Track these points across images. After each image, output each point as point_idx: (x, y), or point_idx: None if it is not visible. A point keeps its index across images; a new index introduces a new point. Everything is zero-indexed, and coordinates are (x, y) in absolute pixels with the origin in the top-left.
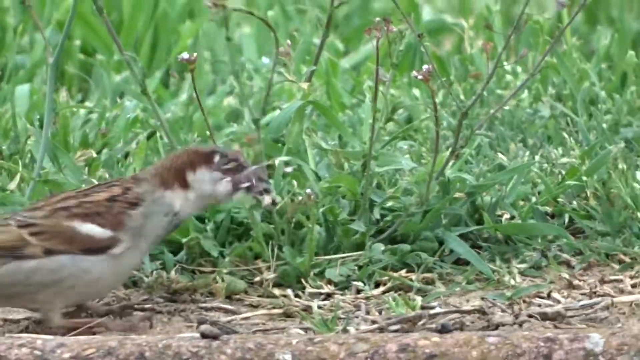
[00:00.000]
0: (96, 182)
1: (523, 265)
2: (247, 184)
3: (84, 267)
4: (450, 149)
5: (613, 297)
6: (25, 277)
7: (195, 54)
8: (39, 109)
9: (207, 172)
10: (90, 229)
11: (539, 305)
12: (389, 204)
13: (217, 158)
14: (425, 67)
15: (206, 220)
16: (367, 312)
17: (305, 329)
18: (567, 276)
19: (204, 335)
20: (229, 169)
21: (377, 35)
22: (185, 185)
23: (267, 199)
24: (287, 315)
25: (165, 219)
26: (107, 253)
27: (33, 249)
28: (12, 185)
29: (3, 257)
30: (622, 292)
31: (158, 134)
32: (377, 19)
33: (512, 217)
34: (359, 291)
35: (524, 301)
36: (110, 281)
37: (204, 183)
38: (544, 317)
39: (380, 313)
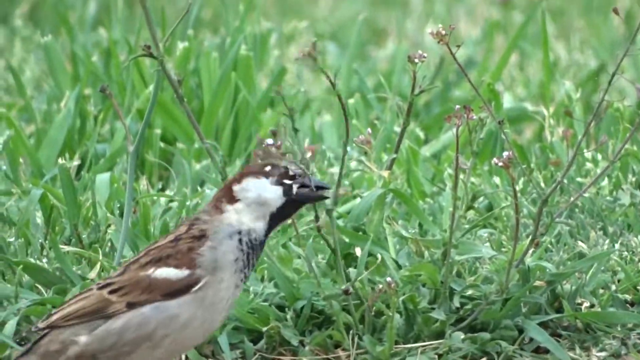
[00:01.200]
0: None
1: (603, 354)
2: (296, 183)
3: (171, 313)
4: (530, 237)
5: None
6: (118, 337)
7: (279, 141)
8: (119, 197)
9: (252, 180)
10: (165, 272)
11: None
12: (469, 292)
13: (267, 168)
14: (505, 153)
15: (286, 309)
16: None
17: None
18: None
19: None
20: (278, 174)
21: (457, 122)
22: (232, 198)
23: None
24: None
25: (232, 242)
26: (189, 293)
27: (116, 306)
28: (93, 274)
29: (91, 321)
30: None
31: None
32: (458, 106)
33: (592, 305)
34: None
35: None
36: (204, 321)
37: (249, 191)
38: None
39: None
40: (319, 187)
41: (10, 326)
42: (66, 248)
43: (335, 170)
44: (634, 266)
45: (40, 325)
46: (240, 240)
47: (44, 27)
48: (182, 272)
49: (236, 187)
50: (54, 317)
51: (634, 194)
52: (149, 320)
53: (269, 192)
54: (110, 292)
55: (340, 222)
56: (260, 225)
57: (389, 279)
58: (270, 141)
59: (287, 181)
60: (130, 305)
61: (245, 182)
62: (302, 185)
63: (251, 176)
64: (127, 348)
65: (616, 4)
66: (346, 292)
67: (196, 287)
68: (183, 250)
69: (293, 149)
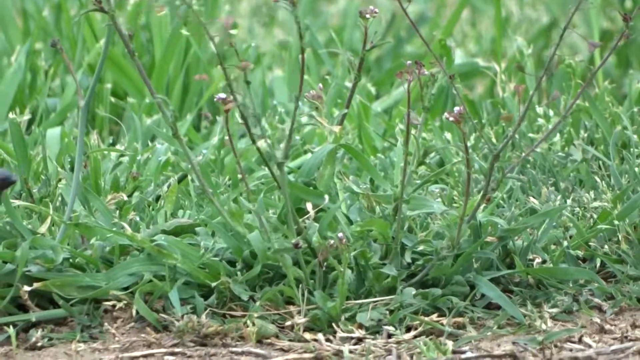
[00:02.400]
0: (126, 226)
1: (554, 310)
2: None
3: None
4: (481, 193)
5: None
6: None
7: (230, 97)
8: (69, 152)
9: None
10: None
11: (571, 350)
12: (421, 247)
13: None
14: (456, 109)
15: (236, 264)
16: (399, 357)
17: None
18: (598, 321)
19: None
20: None
21: (409, 78)
22: None
23: None
24: (318, 359)
25: None
26: None
27: None
28: (43, 229)
29: None
30: None
31: (189, 177)
32: (409, 62)
33: (544, 261)
34: (390, 335)
35: (555, 346)
36: None
37: None
38: None
39: (411, 358)
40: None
41: None
42: (16, 202)
43: (287, 125)
44: (585, 222)
45: None
46: None
47: None
48: None
49: None
50: None
51: (586, 150)
52: None
53: None
54: None
55: (291, 177)
56: None
57: (340, 234)
58: (222, 95)
59: None
60: None
61: None
62: None
63: None
64: None
65: None
66: (296, 245)
67: None
68: None
69: (245, 102)
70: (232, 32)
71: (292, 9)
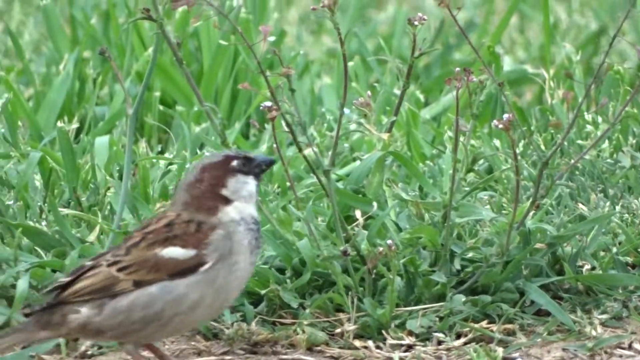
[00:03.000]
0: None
1: (604, 316)
2: (257, 167)
3: (178, 292)
4: (530, 200)
5: None
6: (125, 315)
7: (275, 106)
8: (118, 160)
9: (236, 180)
10: (172, 252)
11: (620, 356)
12: (470, 254)
13: (235, 163)
14: (505, 116)
15: (286, 272)
16: None
17: None
18: None
19: None
20: (248, 167)
21: (457, 85)
22: (224, 200)
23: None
24: None
25: (241, 228)
26: (197, 273)
27: (123, 284)
28: (92, 237)
29: (99, 299)
30: None
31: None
32: (458, 69)
33: (593, 268)
34: (440, 342)
35: (605, 352)
36: (215, 300)
37: (239, 191)
38: None
39: None
40: (263, 161)
41: (23, 283)
42: (65, 211)
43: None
44: (634, 228)
45: (50, 301)
46: (247, 226)
47: None
48: (189, 252)
49: (225, 192)
50: (65, 293)
51: (634, 157)
52: (156, 300)
53: (251, 184)
54: (119, 270)
55: (339, 185)
56: (252, 209)
57: (389, 241)
58: (267, 104)
59: (254, 169)
60: (137, 284)
61: (231, 184)
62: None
63: (230, 176)
64: (135, 326)
65: None
66: (344, 253)
67: (205, 267)
68: (190, 231)
69: (291, 110)
70: (270, 38)
71: (330, 15)
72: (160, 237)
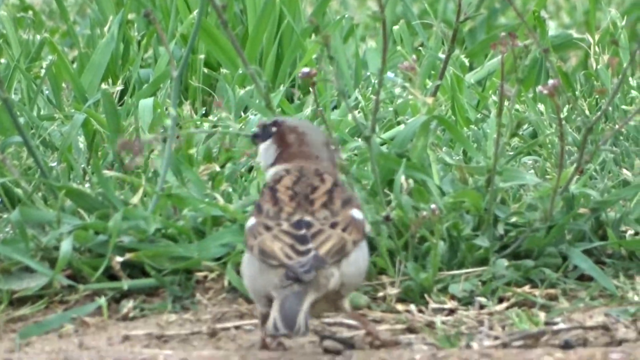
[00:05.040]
0: (219, 197)
1: None
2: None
3: (366, 250)
4: (574, 165)
5: None
6: (356, 270)
7: (314, 69)
8: (162, 123)
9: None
10: (356, 213)
11: None
12: (513, 219)
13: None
14: (550, 81)
15: None
16: (491, 328)
17: (429, 345)
18: None
19: (326, 351)
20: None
21: (503, 50)
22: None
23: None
24: (410, 330)
25: None
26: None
27: (349, 245)
28: (135, 200)
29: (339, 260)
30: None
31: None
32: (503, 33)
33: (637, 233)
34: (482, 307)
35: None
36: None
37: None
38: None
39: (503, 329)
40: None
41: (66, 245)
42: (109, 173)
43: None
44: None
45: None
46: None
47: None
48: (361, 214)
49: None
50: (321, 255)
51: None
52: (366, 255)
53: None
54: (343, 231)
55: (384, 149)
56: None
57: (433, 205)
58: (306, 70)
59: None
60: (354, 243)
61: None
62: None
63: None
64: (358, 279)
65: None
66: (387, 218)
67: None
68: (354, 195)
69: (329, 77)
70: None
71: None
72: (344, 196)
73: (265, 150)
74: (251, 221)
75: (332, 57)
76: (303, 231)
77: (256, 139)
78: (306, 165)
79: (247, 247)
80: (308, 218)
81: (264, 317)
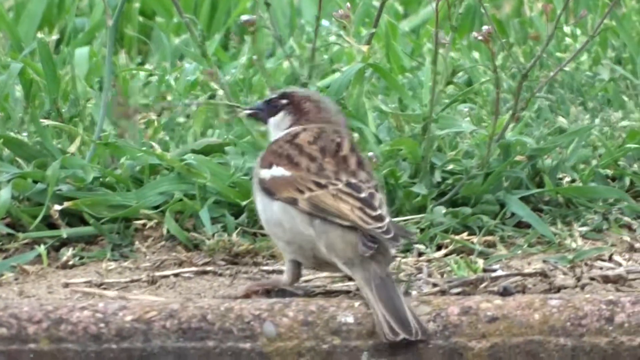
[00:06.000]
0: (156, 145)
1: (584, 228)
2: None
3: None
4: (510, 112)
5: None
6: None
7: (255, 17)
8: (98, 71)
9: None
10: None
11: (601, 268)
12: (450, 166)
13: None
14: (485, 27)
15: None
16: (429, 275)
17: None
18: (628, 239)
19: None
20: None
21: None
22: None
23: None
24: (349, 278)
25: None
26: None
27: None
28: (73, 148)
29: None
30: None
31: (217, 96)
32: None
33: (573, 180)
34: (420, 254)
35: (586, 264)
36: None
37: None
38: (606, 279)
39: (442, 276)
40: None
41: (5, 194)
42: (46, 122)
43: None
44: (614, 141)
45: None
46: None
47: None
48: None
49: None
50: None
51: (614, 69)
52: None
53: None
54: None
55: None
56: None
57: (370, 153)
58: (245, 17)
59: None
60: None
61: None
62: None
63: None
64: None
65: None
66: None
67: None
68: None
69: (267, 24)
70: None
71: None
72: (364, 156)
73: (278, 123)
74: (279, 171)
75: (269, 3)
76: (363, 194)
77: (260, 114)
78: (326, 127)
79: (277, 196)
80: (353, 180)
81: (293, 269)
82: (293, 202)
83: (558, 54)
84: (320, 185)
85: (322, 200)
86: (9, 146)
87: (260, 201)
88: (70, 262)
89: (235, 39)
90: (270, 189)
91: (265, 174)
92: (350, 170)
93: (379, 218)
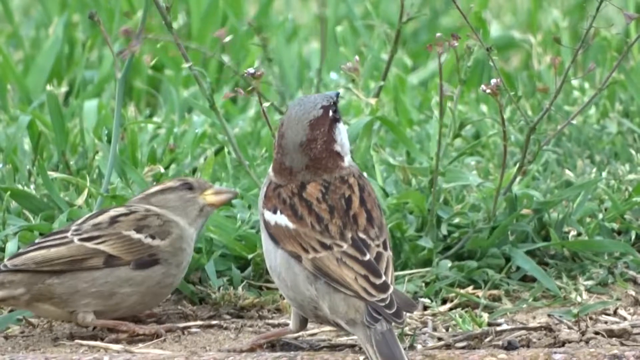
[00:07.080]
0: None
1: (589, 282)
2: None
3: None
4: (517, 165)
5: None
6: None
7: (261, 70)
8: (107, 124)
9: (338, 132)
10: None
11: (606, 322)
12: (456, 220)
13: (332, 112)
14: (493, 81)
15: None
16: (434, 329)
17: None
18: (633, 293)
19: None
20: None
21: (439, 51)
22: (340, 156)
23: None
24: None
25: None
26: None
27: None
28: (80, 201)
29: None
30: None
31: (226, 150)
32: (438, 34)
33: (579, 234)
34: (425, 308)
35: (591, 318)
36: None
37: (344, 143)
38: (611, 334)
39: (447, 330)
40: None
41: (11, 246)
42: (54, 174)
43: None
44: (620, 195)
45: None
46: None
47: None
48: None
49: (337, 147)
50: None
51: (621, 123)
52: None
53: (344, 130)
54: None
55: None
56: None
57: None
58: (251, 70)
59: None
60: None
61: (339, 138)
62: None
63: (335, 129)
64: None
65: None
66: None
67: None
68: None
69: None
70: None
71: None
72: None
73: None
74: (283, 220)
75: (271, 58)
76: (368, 256)
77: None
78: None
79: (281, 245)
80: (362, 235)
81: (300, 317)
82: (297, 257)
83: (566, 107)
84: (325, 247)
85: (326, 265)
86: (17, 198)
87: (265, 243)
88: None
89: (241, 93)
90: (274, 236)
91: (270, 217)
92: (358, 228)
93: (383, 287)
